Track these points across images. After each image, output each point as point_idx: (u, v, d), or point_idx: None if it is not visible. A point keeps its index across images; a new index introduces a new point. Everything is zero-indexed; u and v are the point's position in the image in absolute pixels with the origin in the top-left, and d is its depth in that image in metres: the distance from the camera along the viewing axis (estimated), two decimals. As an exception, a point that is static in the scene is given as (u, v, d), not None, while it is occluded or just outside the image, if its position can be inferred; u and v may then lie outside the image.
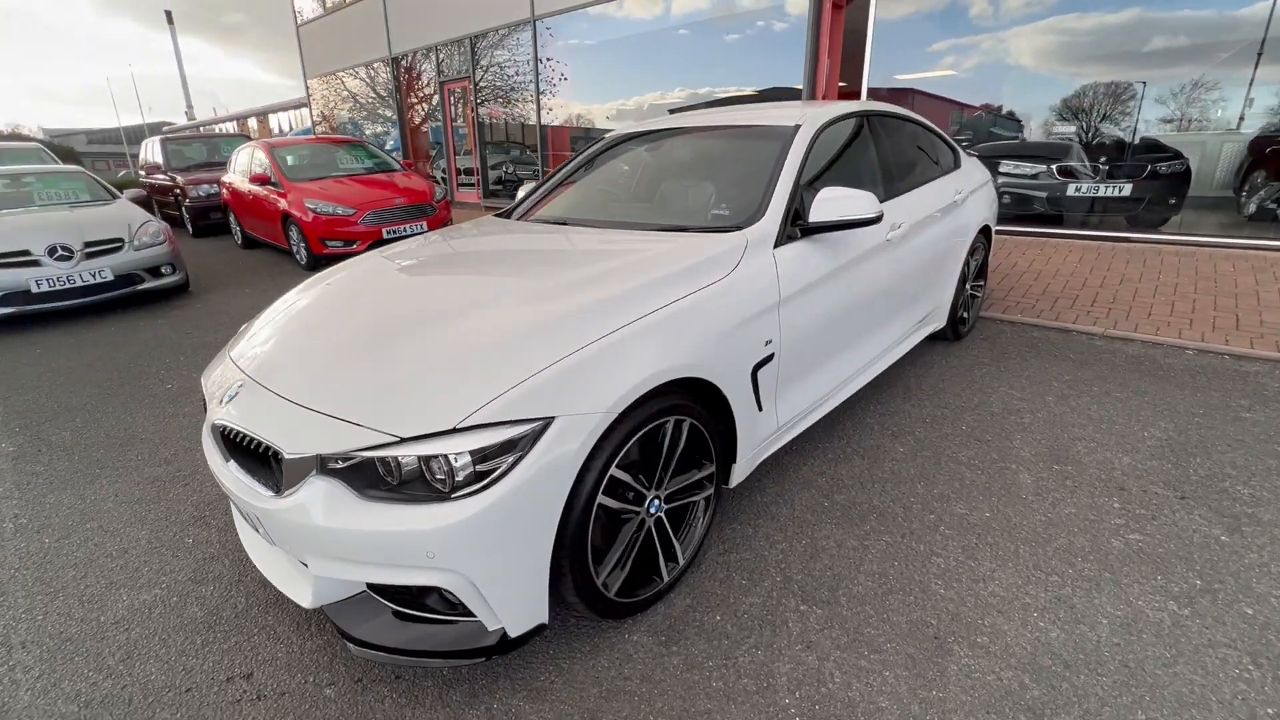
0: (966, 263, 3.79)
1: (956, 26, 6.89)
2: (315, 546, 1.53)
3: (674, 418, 1.83)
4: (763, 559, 2.16)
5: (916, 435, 2.93)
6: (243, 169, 8.65)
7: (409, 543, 1.46)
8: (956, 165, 3.85)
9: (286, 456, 1.55)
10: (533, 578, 1.55)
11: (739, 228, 2.26)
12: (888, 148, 3.18)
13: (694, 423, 1.91)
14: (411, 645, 1.56)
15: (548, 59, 10.53)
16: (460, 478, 1.45)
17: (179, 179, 10.54)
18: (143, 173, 12.18)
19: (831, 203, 2.30)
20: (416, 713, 1.63)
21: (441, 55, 12.42)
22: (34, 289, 5.39)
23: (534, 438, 1.49)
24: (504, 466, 1.47)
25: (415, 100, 13.77)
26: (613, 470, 1.66)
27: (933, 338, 4.05)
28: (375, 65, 14.37)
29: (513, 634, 1.58)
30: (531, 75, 10.76)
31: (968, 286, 3.99)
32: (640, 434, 1.72)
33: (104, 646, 1.89)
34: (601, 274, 1.95)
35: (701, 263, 2.04)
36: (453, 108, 12.90)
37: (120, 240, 5.89)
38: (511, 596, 1.54)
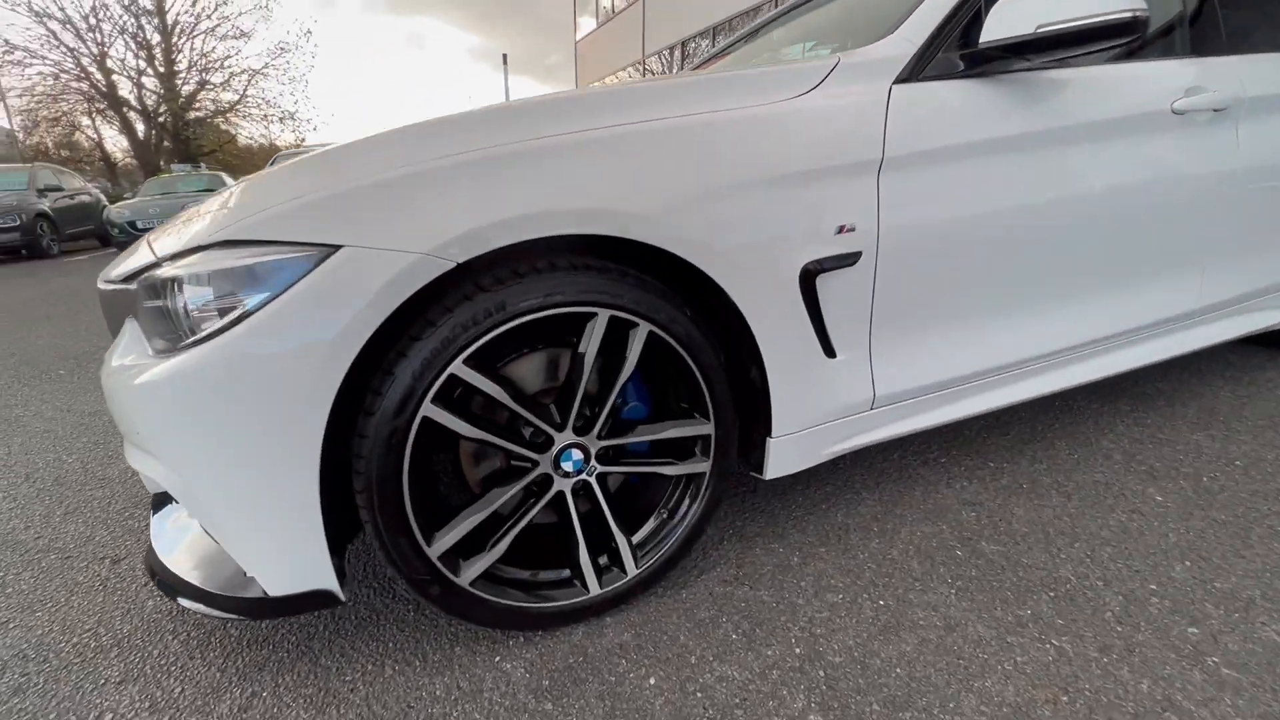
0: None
1: None
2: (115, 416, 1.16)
3: (605, 312, 1.06)
4: (779, 624, 1.23)
5: (1200, 482, 1.58)
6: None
7: (123, 411, 1.01)
8: None
9: (99, 285, 1.21)
10: (292, 508, 0.96)
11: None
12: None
13: (660, 335, 1.11)
14: (193, 582, 1.09)
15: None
16: (194, 322, 0.94)
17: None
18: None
19: (1023, 4, 1.25)
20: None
21: (688, 50, 12.56)
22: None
23: (295, 273, 0.90)
24: (236, 312, 0.91)
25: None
26: (456, 366, 0.98)
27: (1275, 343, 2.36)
28: (627, 70, 15.24)
29: (271, 592, 1.01)
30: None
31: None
32: (526, 325, 1.01)
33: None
34: (601, 95, 1.25)
35: (743, 81, 1.21)
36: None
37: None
38: (259, 532, 0.97)
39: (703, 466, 1.24)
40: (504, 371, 1.15)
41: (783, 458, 1.32)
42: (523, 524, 1.12)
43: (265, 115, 28.15)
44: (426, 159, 0.98)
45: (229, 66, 26.65)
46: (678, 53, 12.71)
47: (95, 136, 26.11)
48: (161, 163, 24.63)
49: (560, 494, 1.14)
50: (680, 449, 1.26)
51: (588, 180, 1.01)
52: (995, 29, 1.28)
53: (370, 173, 0.96)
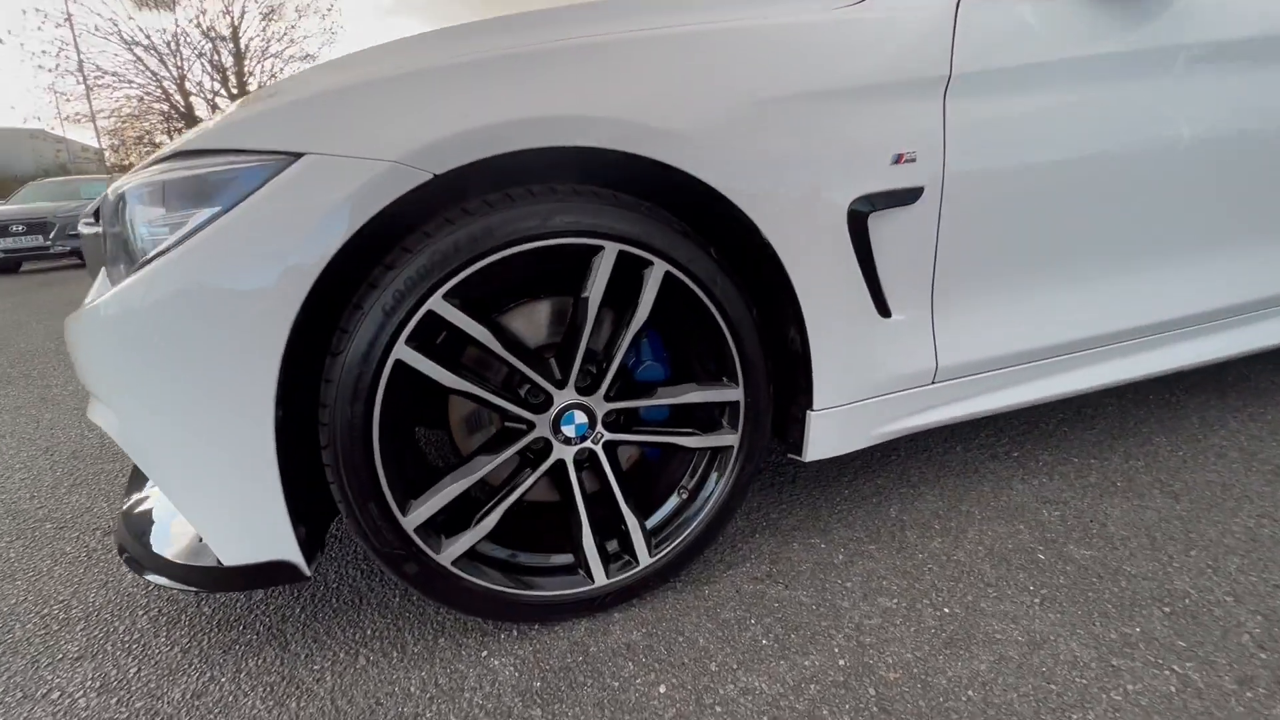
0: None
1: None
2: None
3: (613, 245, 0.90)
4: (820, 629, 1.03)
5: (1348, 486, 1.29)
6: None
7: (72, 352, 0.91)
8: None
9: (79, 229, 1.14)
10: (246, 464, 0.83)
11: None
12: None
13: (679, 277, 0.94)
14: (156, 552, 0.98)
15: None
16: (146, 244, 0.83)
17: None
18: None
19: None
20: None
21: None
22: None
23: (250, 184, 0.78)
24: (184, 229, 0.79)
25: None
26: (435, 302, 0.84)
27: None
28: None
29: (225, 561, 0.88)
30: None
31: None
32: (523, 265, 0.86)
33: (80, 473, 1.79)
34: None
35: None
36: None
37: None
38: (211, 493, 0.85)
39: (730, 439, 1.05)
40: (499, 320, 1.01)
41: (826, 437, 1.12)
42: (516, 495, 0.96)
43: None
44: (415, 63, 0.85)
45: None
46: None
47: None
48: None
49: (560, 463, 0.98)
50: (705, 419, 1.08)
51: (595, 85, 0.86)
52: None
53: (356, 78, 0.84)
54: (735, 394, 1.03)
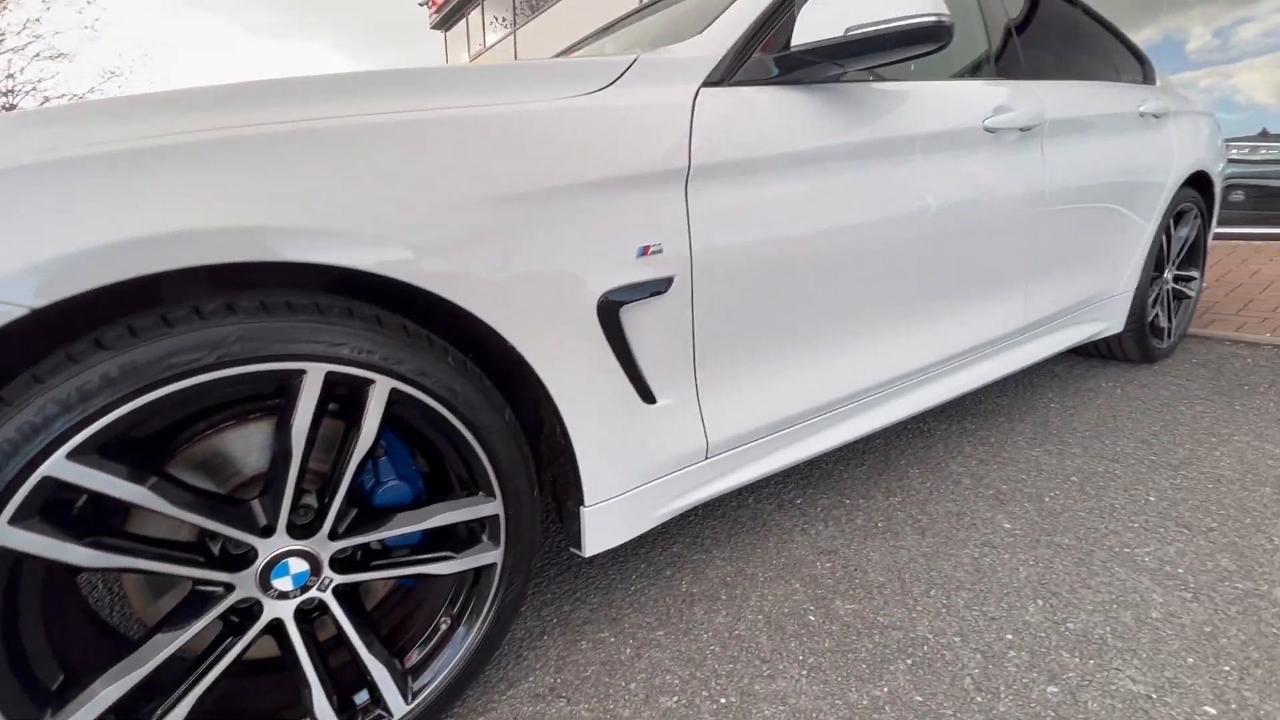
0: (1164, 231, 2.28)
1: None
2: None
3: (318, 367, 0.77)
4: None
5: (1043, 503, 1.54)
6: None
7: None
8: (1147, 81, 2.39)
9: None
10: None
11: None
12: (1014, 13, 1.89)
13: (409, 392, 0.83)
14: None
15: None
16: None
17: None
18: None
19: (832, 5, 1.15)
20: None
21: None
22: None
23: None
24: None
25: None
26: (54, 465, 0.64)
27: (1096, 354, 2.52)
28: None
29: None
30: None
31: (1168, 274, 2.43)
32: (193, 390, 0.70)
33: None
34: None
35: (519, 74, 0.98)
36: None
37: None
38: None
39: (491, 557, 0.96)
40: (174, 465, 0.82)
41: (603, 529, 1.08)
42: (216, 672, 0.78)
43: (88, 143, 24.97)
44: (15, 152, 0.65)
45: (43, 90, 23.36)
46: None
47: None
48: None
49: (277, 622, 0.82)
50: (466, 535, 0.98)
51: (269, 186, 0.73)
52: (806, 32, 1.16)
53: None
54: (493, 507, 0.95)
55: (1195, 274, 2.57)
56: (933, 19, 1.11)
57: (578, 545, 1.09)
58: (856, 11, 1.12)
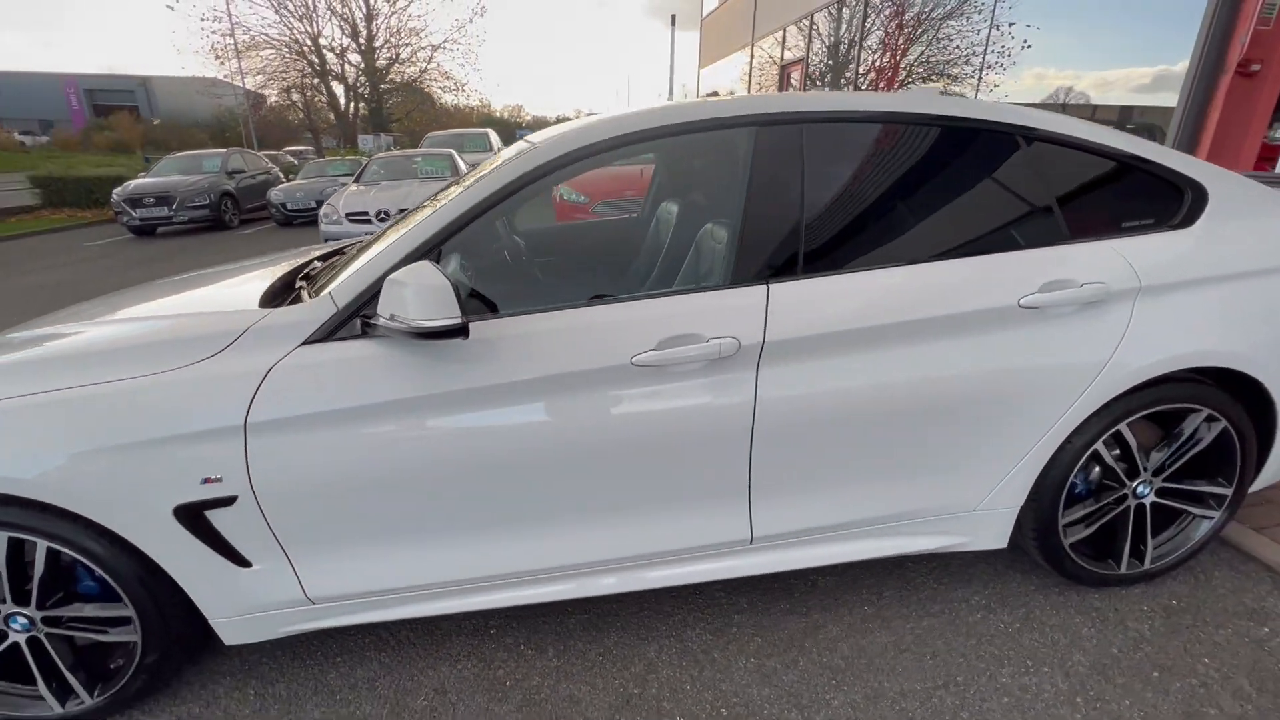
0: (1111, 440, 1.71)
1: None
2: None
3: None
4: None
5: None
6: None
7: None
8: (1188, 219, 1.70)
9: None
10: None
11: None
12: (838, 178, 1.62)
13: (64, 551, 1.46)
14: None
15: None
16: None
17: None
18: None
19: (399, 289, 1.36)
20: None
21: (787, 35, 11.67)
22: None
23: None
24: None
25: (761, 88, 13.39)
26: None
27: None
28: (733, 54, 14.48)
29: None
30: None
31: (1140, 488, 1.81)
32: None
33: None
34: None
35: (150, 347, 1.50)
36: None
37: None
38: None
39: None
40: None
41: (234, 630, 1.62)
42: None
43: (443, 86, 31.49)
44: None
45: (413, 44, 29.96)
46: (783, 35, 11.90)
47: (308, 108, 31.10)
48: (358, 133, 28.77)
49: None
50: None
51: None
52: (384, 303, 1.40)
53: None
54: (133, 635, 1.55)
55: (1213, 488, 1.83)
56: (447, 323, 1.35)
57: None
58: (400, 300, 1.36)
